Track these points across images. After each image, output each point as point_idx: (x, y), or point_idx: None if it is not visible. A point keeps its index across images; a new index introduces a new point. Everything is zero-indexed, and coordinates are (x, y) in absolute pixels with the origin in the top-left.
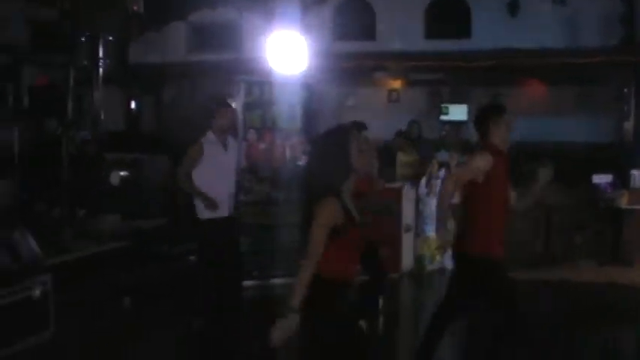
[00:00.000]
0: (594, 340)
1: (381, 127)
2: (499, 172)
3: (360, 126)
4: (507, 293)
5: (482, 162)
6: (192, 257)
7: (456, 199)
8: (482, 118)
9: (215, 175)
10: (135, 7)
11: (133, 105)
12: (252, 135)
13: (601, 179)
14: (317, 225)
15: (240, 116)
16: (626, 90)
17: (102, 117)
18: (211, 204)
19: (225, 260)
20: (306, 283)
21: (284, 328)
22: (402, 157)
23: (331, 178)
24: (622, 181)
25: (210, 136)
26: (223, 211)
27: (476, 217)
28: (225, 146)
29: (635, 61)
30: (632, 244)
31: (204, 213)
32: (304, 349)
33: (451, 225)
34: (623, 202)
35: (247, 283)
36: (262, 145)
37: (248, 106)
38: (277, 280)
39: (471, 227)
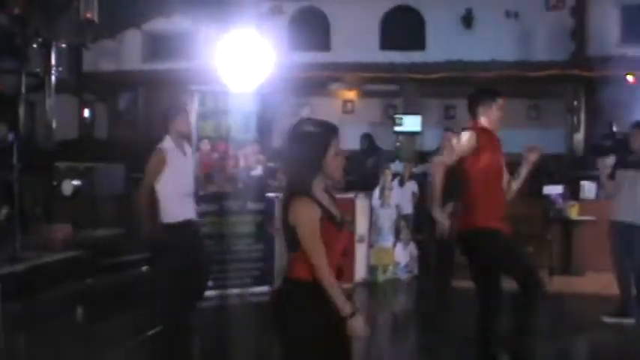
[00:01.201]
0: (545, 350)
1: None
2: (488, 148)
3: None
4: (518, 262)
5: (467, 139)
6: (145, 267)
7: None
8: (474, 100)
9: (177, 181)
10: (89, 15)
11: (86, 113)
12: (205, 145)
13: (551, 190)
14: (303, 225)
15: (193, 126)
16: (576, 103)
17: (54, 125)
18: (149, 233)
19: (189, 266)
20: (334, 283)
21: (359, 329)
22: None
23: (302, 174)
24: (572, 192)
25: (168, 142)
26: (185, 214)
27: (473, 194)
28: (183, 152)
29: (585, 75)
30: (582, 254)
31: (168, 216)
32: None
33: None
34: (574, 213)
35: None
36: (216, 155)
37: (202, 116)
38: (232, 291)
39: (470, 204)
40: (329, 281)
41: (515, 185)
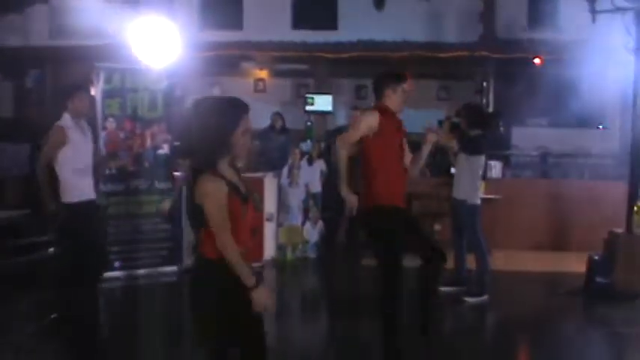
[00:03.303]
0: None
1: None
2: (390, 129)
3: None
4: (419, 237)
5: (369, 118)
6: (51, 249)
7: None
8: (380, 82)
9: (76, 159)
10: None
11: None
12: (110, 123)
13: None
14: (209, 201)
15: (98, 104)
16: (485, 84)
17: None
18: (49, 207)
19: (87, 246)
20: (239, 258)
21: (263, 301)
22: None
23: (209, 151)
24: None
25: (67, 120)
26: (85, 194)
27: (373, 173)
28: (82, 130)
29: (493, 57)
30: (488, 231)
31: (68, 196)
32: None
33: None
34: (480, 191)
35: (110, 274)
36: (122, 134)
37: (107, 94)
38: (140, 271)
39: (371, 182)
40: (233, 256)
41: (416, 164)
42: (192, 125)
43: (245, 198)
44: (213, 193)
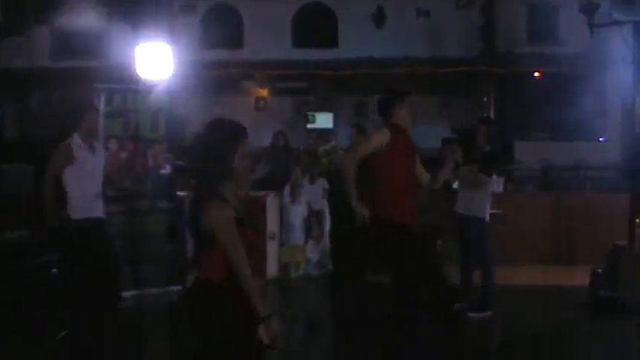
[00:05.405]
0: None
1: (249, 136)
2: (400, 146)
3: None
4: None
5: (380, 136)
6: (54, 269)
7: None
8: (387, 103)
9: (84, 178)
10: None
11: None
12: (113, 144)
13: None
14: (221, 230)
15: (101, 125)
16: (485, 99)
17: None
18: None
19: (96, 263)
20: (254, 283)
21: (271, 331)
22: None
23: (212, 178)
24: None
25: (76, 139)
26: (93, 212)
27: (384, 189)
28: (92, 149)
29: (494, 72)
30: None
31: (74, 214)
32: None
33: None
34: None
35: None
36: (124, 155)
37: (109, 115)
38: (143, 291)
39: (381, 200)
40: (250, 281)
41: (438, 178)
42: (195, 151)
43: (245, 223)
44: (224, 221)
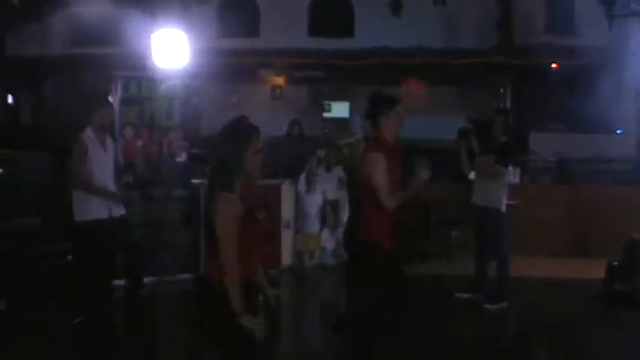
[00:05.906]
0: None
1: (264, 124)
2: (390, 166)
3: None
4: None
5: (380, 163)
6: (69, 257)
7: None
8: (373, 111)
9: (96, 175)
10: None
11: (10, 99)
12: (128, 132)
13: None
14: (221, 222)
15: (117, 112)
16: (502, 90)
17: None
18: (115, 198)
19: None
20: (235, 283)
21: (249, 326)
22: None
23: (226, 173)
24: None
25: (89, 133)
26: (105, 212)
27: (370, 207)
28: (104, 145)
29: (511, 63)
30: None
31: (88, 214)
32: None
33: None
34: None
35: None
36: (139, 142)
37: (125, 102)
38: (158, 278)
39: (365, 217)
40: (231, 280)
41: (398, 198)
42: (214, 146)
43: (257, 220)
44: (226, 214)
